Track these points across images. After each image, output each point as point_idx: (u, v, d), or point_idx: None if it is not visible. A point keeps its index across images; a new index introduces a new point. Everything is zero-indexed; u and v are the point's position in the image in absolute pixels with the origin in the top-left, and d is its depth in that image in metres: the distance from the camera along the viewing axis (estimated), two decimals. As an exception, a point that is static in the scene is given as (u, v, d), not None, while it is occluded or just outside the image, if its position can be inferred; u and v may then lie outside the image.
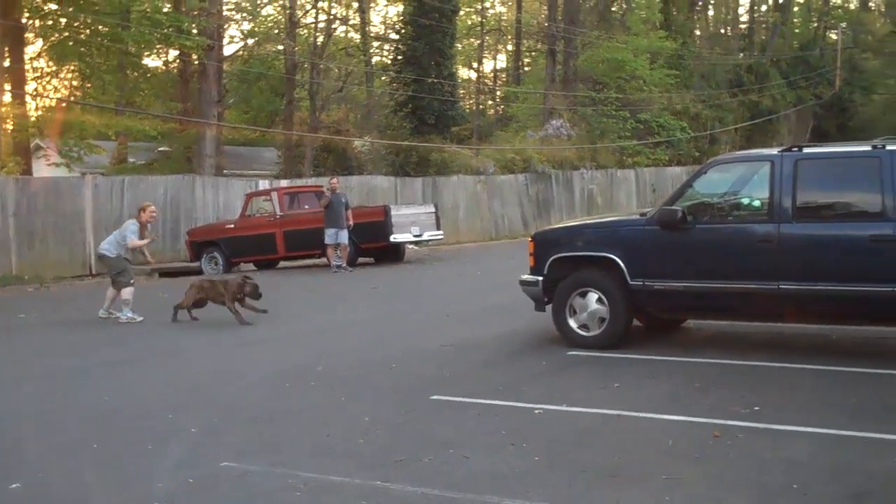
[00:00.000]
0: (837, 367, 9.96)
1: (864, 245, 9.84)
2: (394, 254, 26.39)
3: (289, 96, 45.40)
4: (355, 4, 52.58)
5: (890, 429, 7.47)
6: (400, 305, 17.18)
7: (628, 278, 11.03)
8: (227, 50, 46.34)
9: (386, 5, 60.36)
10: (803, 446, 7.13)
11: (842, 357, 10.57)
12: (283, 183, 31.48)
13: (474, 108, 61.21)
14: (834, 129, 61.06)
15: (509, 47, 68.91)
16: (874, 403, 8.36)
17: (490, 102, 69.24)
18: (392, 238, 25.03)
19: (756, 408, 8.25)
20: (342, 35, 55.16)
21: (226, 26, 44.19)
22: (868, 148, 10.34)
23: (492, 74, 74.18)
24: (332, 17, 51.12)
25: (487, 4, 69.35)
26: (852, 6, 76.20)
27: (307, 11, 49.79)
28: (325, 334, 13.86)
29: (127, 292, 15.70)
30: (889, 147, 10.07)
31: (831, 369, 9.85)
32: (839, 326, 11.56)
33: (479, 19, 66.97)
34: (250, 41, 52.57)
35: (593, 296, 11.31)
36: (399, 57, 41.08)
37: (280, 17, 51.50)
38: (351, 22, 54.43)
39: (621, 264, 11.07)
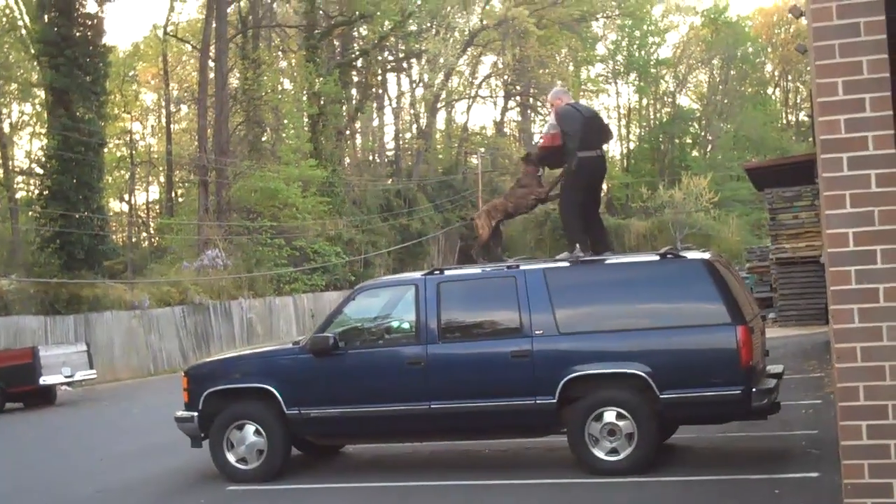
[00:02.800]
0: (486, 480, 10.40)
1: (507, 360, 10.33)
2: (45, 397, 25.24)
3: (-75, 235, 42.75)
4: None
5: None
6: (49, 451, 16.32)
7: (284, 408, 10.97)
8: None
9: (30, 139, 58.44)
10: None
11: (492, 470, 11.05)
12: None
13: (127, 241, 59.83)
14: (473, 249, 64.01)
15: (161, 179, 68.08)
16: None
17: (144, 235, 67.96)
18: (41, 381, 24.08)
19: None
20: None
21: None
22: (504, 268, 10.98)
23: (144, 206, 73.05)
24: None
25: (137, 137, 68.58)
26: (489, 132, 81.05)
27: (-58, 147, 47.33)
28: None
29: None
30: (523, 267, 10.72)
31: (480, 483, 10.27)
32: (490, 441, 12.00)
33: (129, 151, 65.95)
34: None
35: (251, 428, 11.14)
36: (45, 192, 39.67)
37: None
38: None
39: (277, 394, 11.03)
